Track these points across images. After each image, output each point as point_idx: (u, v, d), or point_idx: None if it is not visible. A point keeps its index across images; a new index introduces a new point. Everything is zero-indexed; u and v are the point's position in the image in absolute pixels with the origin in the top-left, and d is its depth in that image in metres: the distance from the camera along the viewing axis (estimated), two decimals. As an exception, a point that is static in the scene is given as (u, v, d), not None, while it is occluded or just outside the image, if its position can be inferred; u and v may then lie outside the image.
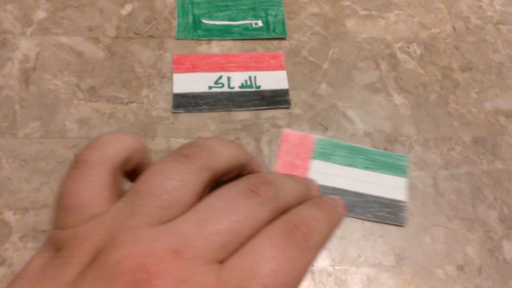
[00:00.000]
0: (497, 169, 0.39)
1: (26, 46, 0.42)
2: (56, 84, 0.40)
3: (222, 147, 0.20)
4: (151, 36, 0.44)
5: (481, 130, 0.41)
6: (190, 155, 0.18)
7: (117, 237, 0.15)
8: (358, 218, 0.36)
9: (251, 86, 0.42)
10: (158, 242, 0.15)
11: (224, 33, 0.45)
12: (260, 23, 0.46)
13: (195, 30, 0.45)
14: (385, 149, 0.39)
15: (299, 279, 0.17)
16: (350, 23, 0.47)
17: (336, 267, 0.33)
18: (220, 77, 0.42)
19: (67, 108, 0.39)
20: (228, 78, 0.42)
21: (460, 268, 0.34)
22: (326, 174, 0.37)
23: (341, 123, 0.40)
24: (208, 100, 0.41)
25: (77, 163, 0.18)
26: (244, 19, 0.46)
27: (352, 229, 0.35)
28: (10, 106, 0.38)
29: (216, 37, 0.45)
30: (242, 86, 0.42)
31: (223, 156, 0.20)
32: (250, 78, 0.42)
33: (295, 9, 0.48)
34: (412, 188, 0.37)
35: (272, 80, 0.42)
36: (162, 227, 0.16)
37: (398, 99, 0.42)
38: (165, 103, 0.40)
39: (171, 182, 0.17)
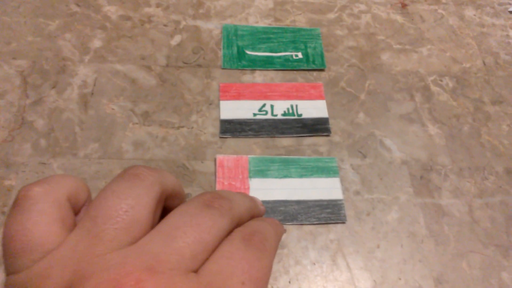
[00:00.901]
0: (530, 199, 0.40)
1: (84, 72, 0.45)
2: (112, 109, 0.43)
3: (164, 171, 0.21)
4: (199, 66, 0.47)
5: (513, 161, 0.43)
6: (138, 174, 0.18)
7: (84, 269, 0.15)
8: (303, 224, 0.38)
9: (293, 114, 0.44)
10: (129, 264, 0.15)
11: (266, 63, 0.48)
12: (300, 55, 0.49)
13: (239, 61, 0.48)
14: (421, 177, 0.41)
15: (268, 274, 0.18)
16: (385, 56, 0.50)
17: (378, 288, 0.35)
18: (264, 105, 0.45)
19: (123, 131, 0.41)
20: (271, 106, 0.45)
21: (496, 293, 0.36)
22: (265, 189, 0.39)
23: (379, 151, 0.43)
24: (253, 126, 0.43)
25: (19, 200, 0.17)
26: (285, 51, 0.49)
27: (392, 253, 0.37)
28: (71, 128, 0.41)
29: (259, 67, 0.48)
30: (284, 114, 0.44)
31: (169, 175, 0.20)
32: (292, 106, 0.45)
33: (332, 42, 0.50)
34: (448, 215, 0.39)
35: (312, 108, 0.45)
36: (129, 249, 0.16)
37: (432, 129, 0.44)
38: (213, 128, 0.43)
39: (125, 201, 0.17)
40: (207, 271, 0.17)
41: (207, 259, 0.17)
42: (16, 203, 0.17)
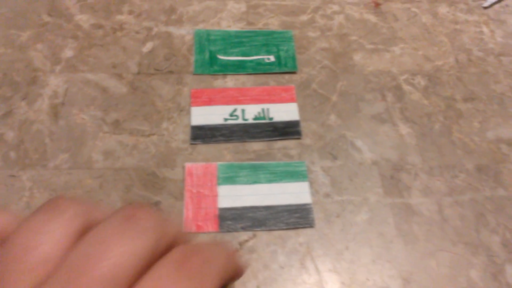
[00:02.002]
0: (500, 196, 0.40)
1: (55, 82, 0.45)
2: (83, 118, 0.43)
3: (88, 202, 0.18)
4: (171, 72, 0.47)
5: (484, 158, 0.43)
6: (59, 205, 0.17)
7: None
8: (272, 230, 0.38)
9: (264, 118, 0.44)
10: None
11: (238, 68, 0.48)
12: (272, 58, 0.49)
13: (211, 66, 0.48)
14: (391, 177, 0.41)
15: None
16: (357, 57, 0.50)
17: (346, 290, 0.35)
18: (235, 110, 0.45)
19: (93, 141, 0.42)
20: (243, 111, 0.45)
21: (464, 291, 0.36)
22: (234, 196, 0.40)
23: (349, 152, 0.43)
24: (224, 131, 0.43)
25: None
26: (257, 54, 0.49)
27: (360, 254, 0.37)
28: (41, 139, 0.41)
29: (231, 72, 0.48)
30: (255, 118, 0.44)
31: (93, 205, 0.18)
32: (263, 110, 0.45)
33: (305, 45, 0.50)
34: (418, 214, 0.39)
35: (284, 112, 0.45)
36: None
37: (403, 129, 0.44)
38: (184, 135, 0.43)
39: (36, 237, 0.15)
40: None
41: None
42: None
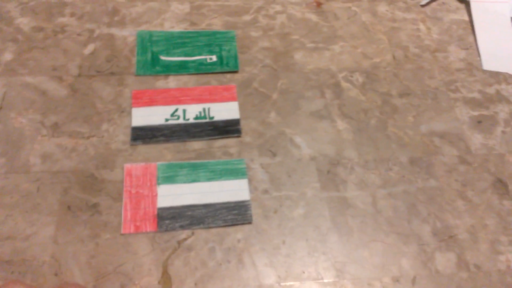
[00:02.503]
0: (431, 187, 0.42)
1: (-8, 87, 0.45)
2: (21, 122, 0.43)
3: None
4: (112, 73, 0.47)
5: (417, 151, 0.44)
6: None
7: None
8: (210, 227, 0.39)
9: (205, 117, 0.45)
10: None
11: (180, 68, 0.48)
12: (214, 58, 0.50)
13: (153, 67, 0.48)
14: (328, 172, 0.42)
15: None
16: (298, 56, 0.51)
17: (282, 283, 0.36)
18: (176, 110, 0.45)
19: (31, 144, 0.41)
20: (184, 111, 0.45)
21: (395, 279, 0.37)
22: (174, 195, 0.40)
23: (288, 149, 0.44)
24: (165, 131, 0.44)
25: None
26: (199, 54, 0.50)
27: (296, 248, 0.38)
28: (-24, 144, 0.41)
29: (173, 72, 0.48)
30: (196, 118, 0.45)
31: None
32: (204, 109, 0.46)
33: (247, 44, 0.51)
34: (353, 206, 0.41)
35: (224, 110, 0.46)
36: None
37: (341, 124, 0.46)
38: (124, 136, 0.43)
39: None
40: None
41: None
42: None
